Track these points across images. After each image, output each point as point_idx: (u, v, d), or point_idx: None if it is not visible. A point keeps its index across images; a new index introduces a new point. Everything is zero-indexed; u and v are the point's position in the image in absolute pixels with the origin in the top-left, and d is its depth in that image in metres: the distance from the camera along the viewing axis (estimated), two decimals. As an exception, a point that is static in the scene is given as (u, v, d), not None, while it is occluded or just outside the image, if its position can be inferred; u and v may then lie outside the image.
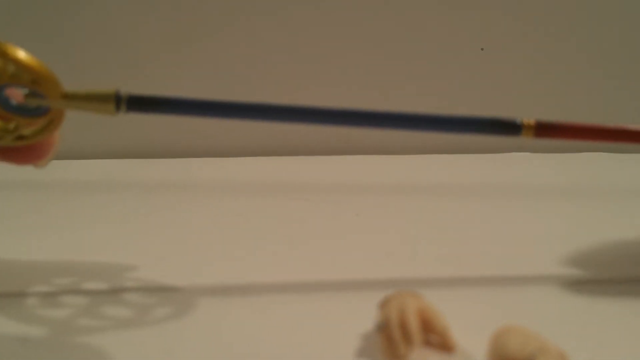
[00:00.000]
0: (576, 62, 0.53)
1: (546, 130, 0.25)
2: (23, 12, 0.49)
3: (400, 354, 0.19)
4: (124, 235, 0.33)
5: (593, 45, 0.53)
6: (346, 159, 0.52)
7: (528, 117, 0.25)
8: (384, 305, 0.21)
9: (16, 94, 0.23)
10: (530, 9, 0.52)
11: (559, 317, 0.23)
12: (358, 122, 0.25)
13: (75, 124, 0.58)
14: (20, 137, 0.23)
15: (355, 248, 0.31)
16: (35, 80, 0.22)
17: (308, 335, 0.22)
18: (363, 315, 0.22)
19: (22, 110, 0.23)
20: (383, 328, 0.20)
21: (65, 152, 0.54)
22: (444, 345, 0.20)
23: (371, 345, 0.21)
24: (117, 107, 0.23)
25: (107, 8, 0.49)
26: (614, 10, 0.52)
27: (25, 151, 0.24)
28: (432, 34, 0.52)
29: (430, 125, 0.25)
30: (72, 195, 0.42)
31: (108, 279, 0.27)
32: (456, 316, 0.21)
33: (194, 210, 0.38)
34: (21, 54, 0.21)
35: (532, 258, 0.29)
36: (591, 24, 0.52)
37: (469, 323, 0.21)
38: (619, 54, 0.53)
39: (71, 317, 0.23)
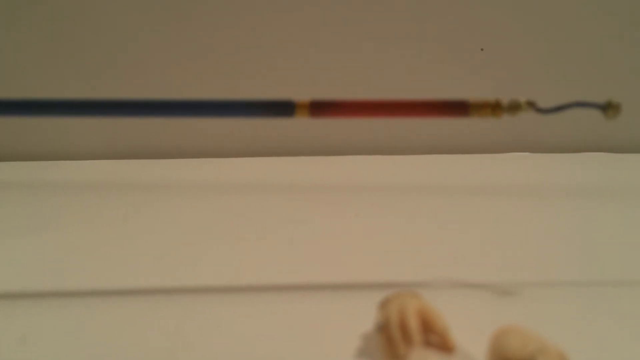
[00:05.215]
0: (576, 62, 0.53)
1: (321, 108, 0.24)
2: None
3: (400, 354, 0.19)
4: (123, 235, 0.33)
5: (593, 45, 0.53)
6: (346, 159, 0.51)
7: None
8: (384, 305, 0.21)
9: None
10: (530, 10, 0.52)
11: (559, 317, 0.23)
12: (132, 112, 0.25)
13: (74, 124, 0.58)
14: None
15: (354, 248, 0.31)
16: None
17: (308, 335, 0.22)
18: (363, 316, 0.22)
19: None
20: (383, 328, 0.20)
21: (65, 153, 0.54)
22: (444, 345, 0.20)
23: (371, 345, 0.21)
24: None
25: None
26: (615, 11, 0.52)
27: None
28: (432, 34, 0.52)
29: (209, 111, 0.25)
30: (71, 196, 0.42)
31: (108, 279, 0.27)
32: (456, 316, 0.21)
33: (194, 211, 0.38)
34: None
35: (531, 258, 0.29)
36: (591, 25, 0.52)
37: (469, 323, 0.21)
38: (619, 54, 0.53)
39: (67, 320, 0.23)
